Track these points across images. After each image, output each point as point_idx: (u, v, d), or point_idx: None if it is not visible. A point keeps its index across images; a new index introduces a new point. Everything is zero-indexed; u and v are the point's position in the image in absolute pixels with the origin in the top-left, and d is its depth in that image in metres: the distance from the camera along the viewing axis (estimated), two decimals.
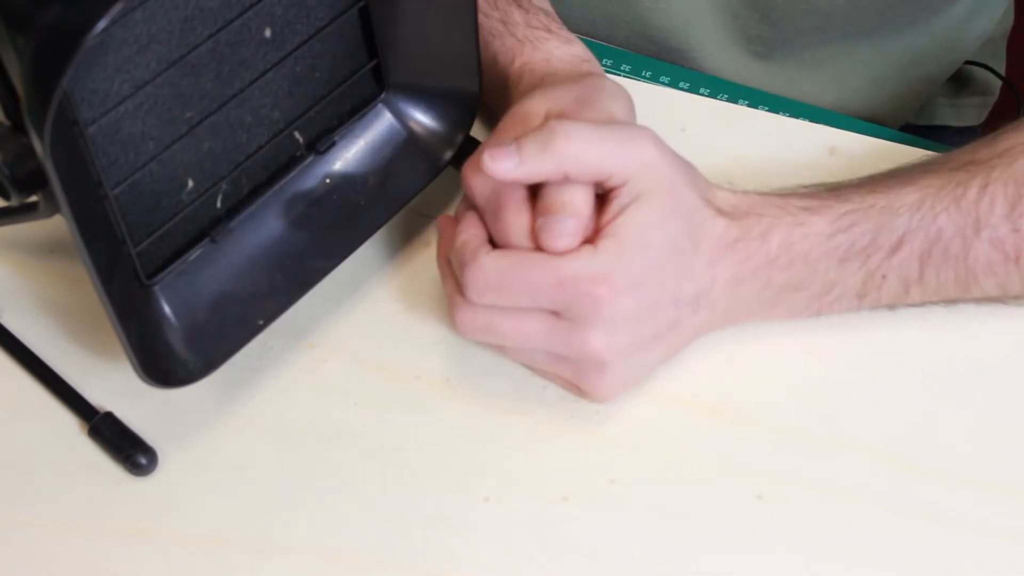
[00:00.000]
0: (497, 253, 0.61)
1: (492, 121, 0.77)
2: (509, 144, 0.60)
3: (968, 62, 0.98)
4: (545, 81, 0.70)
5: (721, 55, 0.86)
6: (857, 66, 0.89)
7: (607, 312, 0.60)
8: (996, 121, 1.03)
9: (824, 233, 0.64)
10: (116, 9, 0.51)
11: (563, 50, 0.72)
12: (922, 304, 0.67)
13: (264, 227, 0.69)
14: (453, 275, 0.64)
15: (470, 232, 0.63)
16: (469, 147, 0.73)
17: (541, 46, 0.73)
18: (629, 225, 0.60)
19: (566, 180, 0.60)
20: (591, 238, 0.61)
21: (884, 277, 0.65)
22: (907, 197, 0.64)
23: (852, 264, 0.64)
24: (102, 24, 0.50)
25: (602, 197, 0.62)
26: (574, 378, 0.64)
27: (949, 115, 1.03)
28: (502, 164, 0.60)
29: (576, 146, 0.60)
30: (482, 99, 0.71)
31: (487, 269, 0.61)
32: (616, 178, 0.60)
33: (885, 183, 0.66)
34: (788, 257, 0.64)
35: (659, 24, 0.84)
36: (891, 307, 0.67)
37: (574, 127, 0.60)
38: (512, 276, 0.60)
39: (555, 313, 0.61)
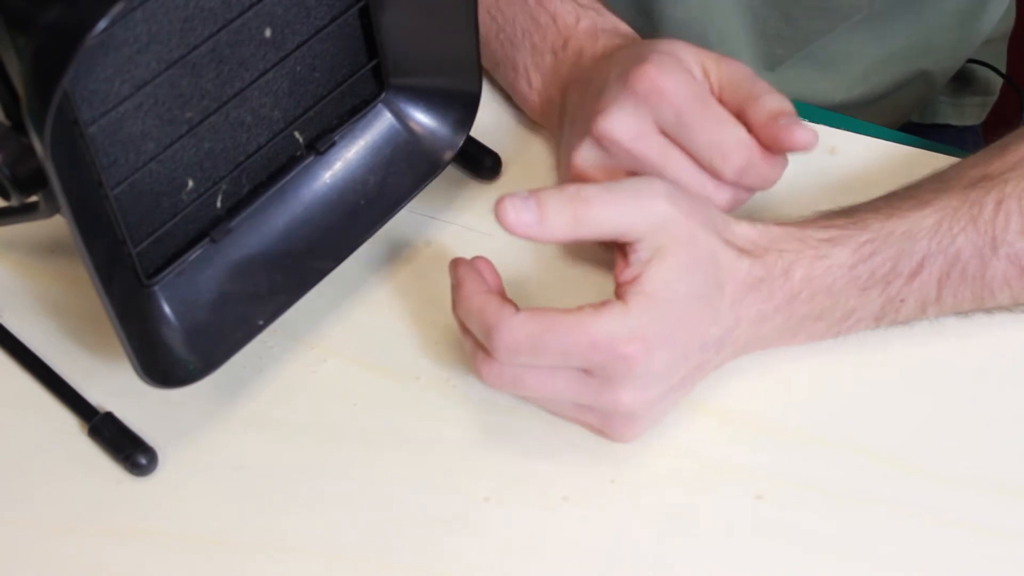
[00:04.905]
0: (526, 315, 0.59)
1: (500, 102, 0.77)
2: (527, 198, 0.59)
3: (970, 60, 0.98)
4: (634, 41, 0.71)
5: (737, 56, 0.86)
6: (865, 61, 0.89)
7: (640, 370, 0.60)
8: (996, 121, 1.03)
9: (846, 264, 0.64)
10: (116, 9, 0.51)
11: (624, 25, 0.74)
12: (935, 318, 0.67)
13: (264, 227, 0.69)
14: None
15: (481, 291, 0.62)
16: (470, 148, 0.74)
17: (606, 14, 0.74)
18: (655, 280, 0.59)
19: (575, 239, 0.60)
20: (616, 293, 0.60)
21: (903, 301, 0.65)
22: (925, 221, 0.64)
23: (873, 292, 0.64)
24: (102, 24, 0.50)
25: (621, 247, 0.61)
26: (600, 426, 0.64)
27: (951, 114, 1.03)
28: (522, 218, 0.59)
29: (592, 211, 0.59)
30: (486, 89, 0.71)
31: (517, 332, 0.59)
32: (630, 236, 0.60)
33: (901, 206, 0.65)
34: (811, 291, 0.64)
35: (678, 17, 0.84)
36: (905, 324, 0.67)
37: (591, 191, 0.59)
38: (545, 339, 0.59)
39: (585, 370, 0.60)
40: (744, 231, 0.63)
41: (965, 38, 0.91)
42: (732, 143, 0.65)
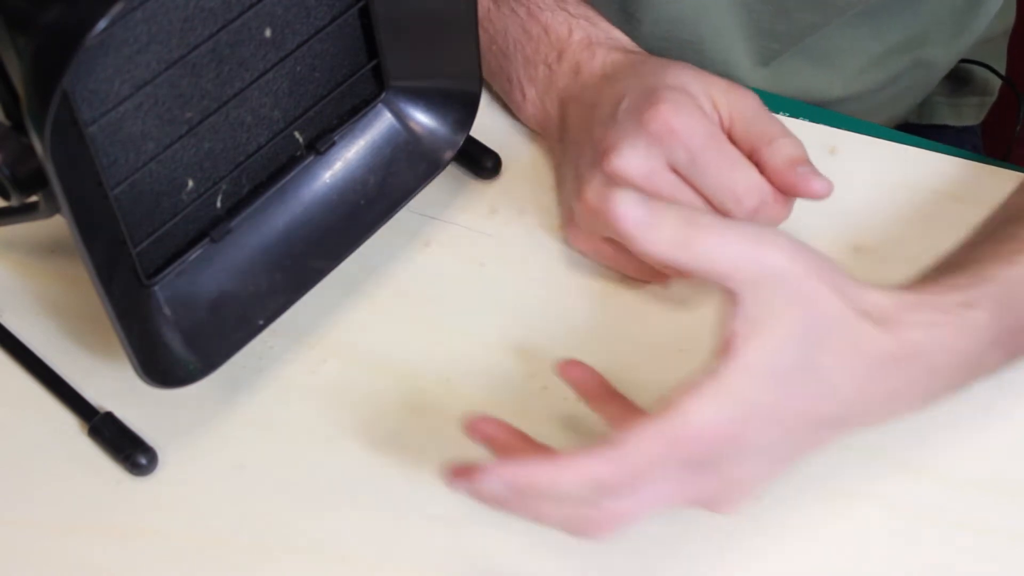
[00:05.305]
0: (631, 436, 0.53)
1: (500, 102, 0.77)
2: (645, 197, 0.53)
3: (969, 61, 0.98)
4: (634, 58, 0.71)
5: (731, 52, 0.85)
6: (862, 57, 0.89)
7: (744, 451, 0.55)
8: (995, 121, 1.03)
9: (985, 326, 0.59)
10: (116, 9, 0.51)
11: (617, 32, 0.74)
12: None
13: (264, 227, 0.69)
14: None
15: (552, 465, 0.54)
16: (470, 148, 0.74)
17: (599, 23, 0.74)
18: (758, 350, 0.54)
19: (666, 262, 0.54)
20: (717, 350, 0.54)
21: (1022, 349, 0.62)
22: None
23: (1002, 347, 0.61)
24: (102, 24, 0.50)
25: (728, 295, 0.55)
26: (698, 505, 0.59)
27: (948, 114, 1.03)
28: (633, 211, 0.52)
29: (705, 240, 0.53)
30: (485, 91, 0.71)
31: (637, 460, 0.53)
32: (735, 281, 0.54)
33: (1007, 248, 0.61)
34: (952, 363, 0.59)
35: (671, 16, 0.84)
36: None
37: (709, 220, 0.54)
38: (663, 453, 0.54)
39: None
40: (876, 299, 0.57)
41: (963, 32, 0.91)
42: (745, 185, 0.65)
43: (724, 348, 0.54)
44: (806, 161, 0.65)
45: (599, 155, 0.67)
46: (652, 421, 0.54)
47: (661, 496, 0.56)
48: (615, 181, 0.66)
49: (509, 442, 0.60)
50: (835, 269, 0.56)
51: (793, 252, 0.54)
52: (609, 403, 0.63)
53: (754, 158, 0.66)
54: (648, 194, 0.63)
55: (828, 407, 0.56)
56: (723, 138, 0.66)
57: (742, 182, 0.65)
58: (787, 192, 0.65)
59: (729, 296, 0.54)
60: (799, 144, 0.66)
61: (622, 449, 0.53)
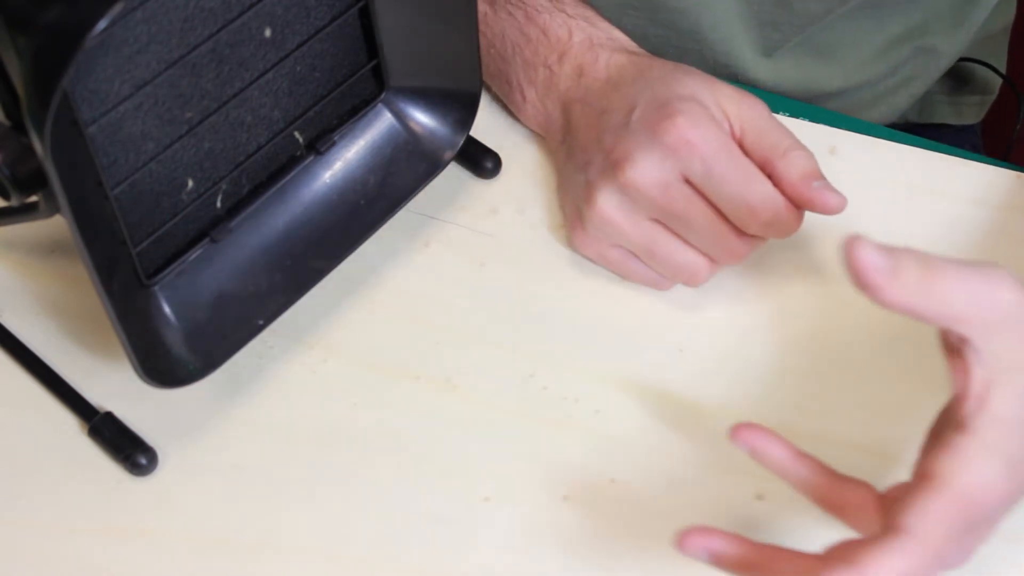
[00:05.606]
0: (917, 531, 0.51)
1: (500, 103, 0.77)
2: (884, 247, 0.51)
3: (969, 59, 0.98)
4: (640, 62, 0.71)
5: (731, 42, 0.85)
6: (864, 49, 0.89)
7: (1009, 506, 0.54)
8: (995, 120, 1.03)
9: None
10: (116, 9, 0.51)
11: (617, 31, 0.73)
12: None
13: (264, 227, 0.69)
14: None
15: (869, 569, 0.51)
16: (470, 148, 0.74)
17: (598, 23, 0.74)
18: (1006, 400, 0.52)
19: (899, 307, 0.52)
20: (959, 408, 0.53)
21: None
22: None
23: None
24: (102, 24, 0.50)
25: (952, 343, 0.54)
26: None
27: (948, 113, 1.03)
28: (873, 259, 0.51)
29: (943, 282, 0.52)
30: (485, 91, 0.71)
31: (937, 534, 0.52)
32: (968, 326, 0.52)
33: None
34: None
35: (671, 6, 0.84)
36: None
37: (940, 260, 0.52)
38: (944, 533, 0.52)
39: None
40: None
41: (963, 23, 0.91)
42: (760, 198, 0.65)
43: (974, 400, 0.53)
44: (820, 175, 0.66)
45: (611, 164, 0.67)
46: (931, 497, 0.52)
47: (947, 568, 0.54)
48: (629, 191, 0.66)
49: (739, 553, 0.55)
50: None
51: (1019, 288, 0.53)
52: (806, 471, 0.59)
53: (766, 170, 0.66)
54: (662, 206, 0.64)
55: None
56: (737, 150, 0.66)
57: (757, 195, 0.65)
58: (801, 206, 0.66)
59: (959, 340, 0.53)
60: (811, 157, 0.66)
61: (919, 535, 0.52)
